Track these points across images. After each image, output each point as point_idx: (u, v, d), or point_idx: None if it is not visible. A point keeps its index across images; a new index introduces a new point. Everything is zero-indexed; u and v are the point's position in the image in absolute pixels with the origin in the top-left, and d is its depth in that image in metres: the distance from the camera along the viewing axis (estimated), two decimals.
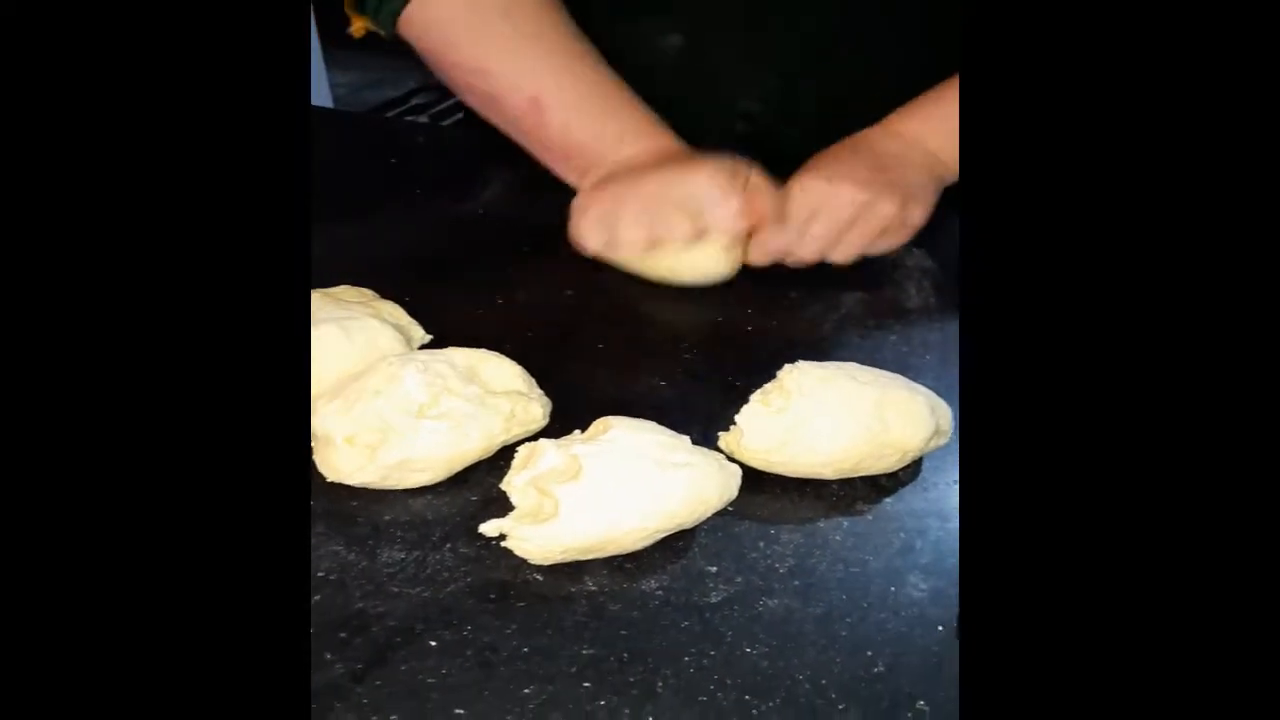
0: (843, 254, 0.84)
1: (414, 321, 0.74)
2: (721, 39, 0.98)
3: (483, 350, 0.67)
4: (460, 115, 1.11)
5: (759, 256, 0.84)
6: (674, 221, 0.81)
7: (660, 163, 0.85)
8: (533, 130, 0.90)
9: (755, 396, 0.64)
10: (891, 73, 0.93)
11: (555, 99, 0.88)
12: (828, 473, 0.62)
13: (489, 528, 0.56)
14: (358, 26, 0.92)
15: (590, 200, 0.84)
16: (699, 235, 0.81)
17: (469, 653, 0.50)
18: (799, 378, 0.63)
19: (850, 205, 0.82)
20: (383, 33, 0.90)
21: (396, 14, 0.89)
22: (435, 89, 1.10)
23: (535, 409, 0.64)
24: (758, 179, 0.82)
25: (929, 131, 0.88)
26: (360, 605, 0.52)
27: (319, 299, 0.72)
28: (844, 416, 0.61)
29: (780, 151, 0.87)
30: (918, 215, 0.85)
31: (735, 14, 0.96)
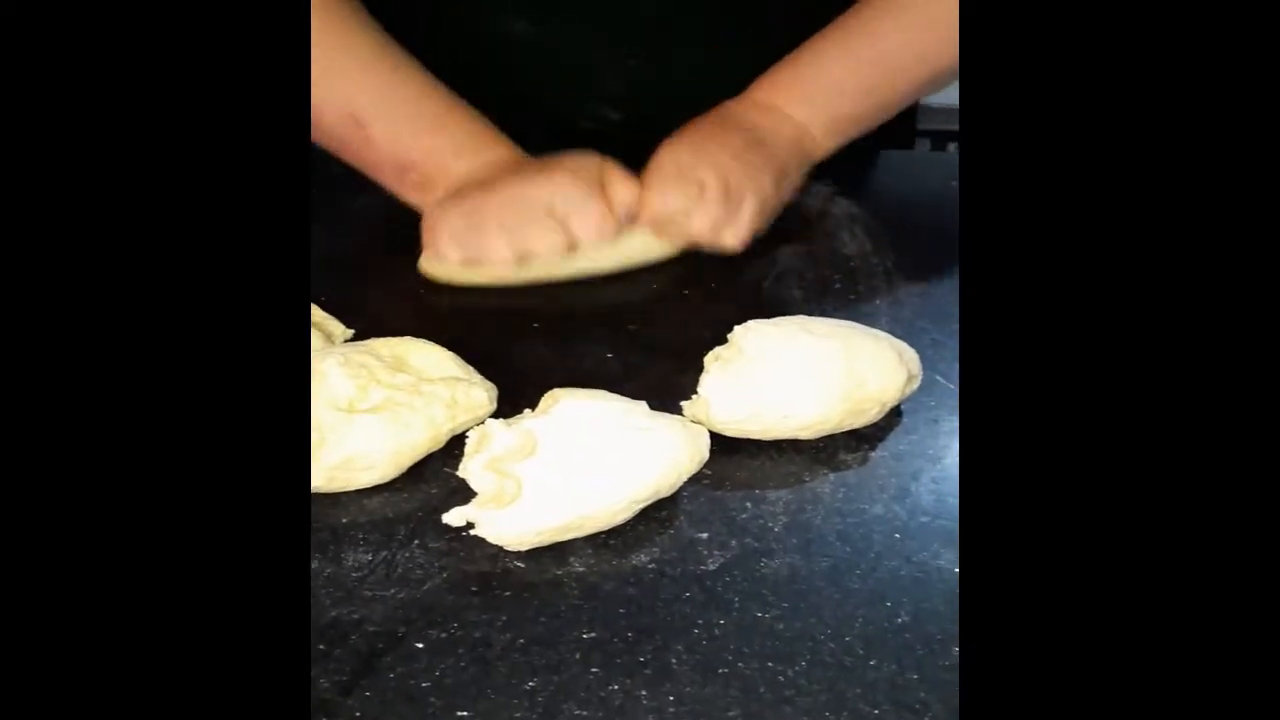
0: (735, 235, 0.78)
1: (330, 317, 0.69)
2: (571, 22, 0.92)
3: (407, 338, 0.63)
4: None
5: (673, 235, 0.78)
6: (539, 232, 0.75)
7: (508, 173, 0.78)
8: (357, 148, 0.82)
9: (710, 363, 0.60)
10: (763, 43, 0.88)
11: (376, 113, 0.80)
12: (807, 435, 0.58)
13: (453, 517, 0.51)
14: None
15: (443, 217, 0.77)
16: (570, 246, 0.76)
17: (460, 651, 0.46)
18: (754, 338, 0.59)
19: (730, 180, 0.77)
20: None
21: None
22: None
23: (478, 393, 0.60)
24: (614, 173, 0.77)
25: (794, 101, 0.83)
26: (334, 614, 0.47)
27: None
28: (815, 376, 0.57)
29: (654, 137, 0.81)
30: (788, 194, 0.82)
31: None
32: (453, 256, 0.77)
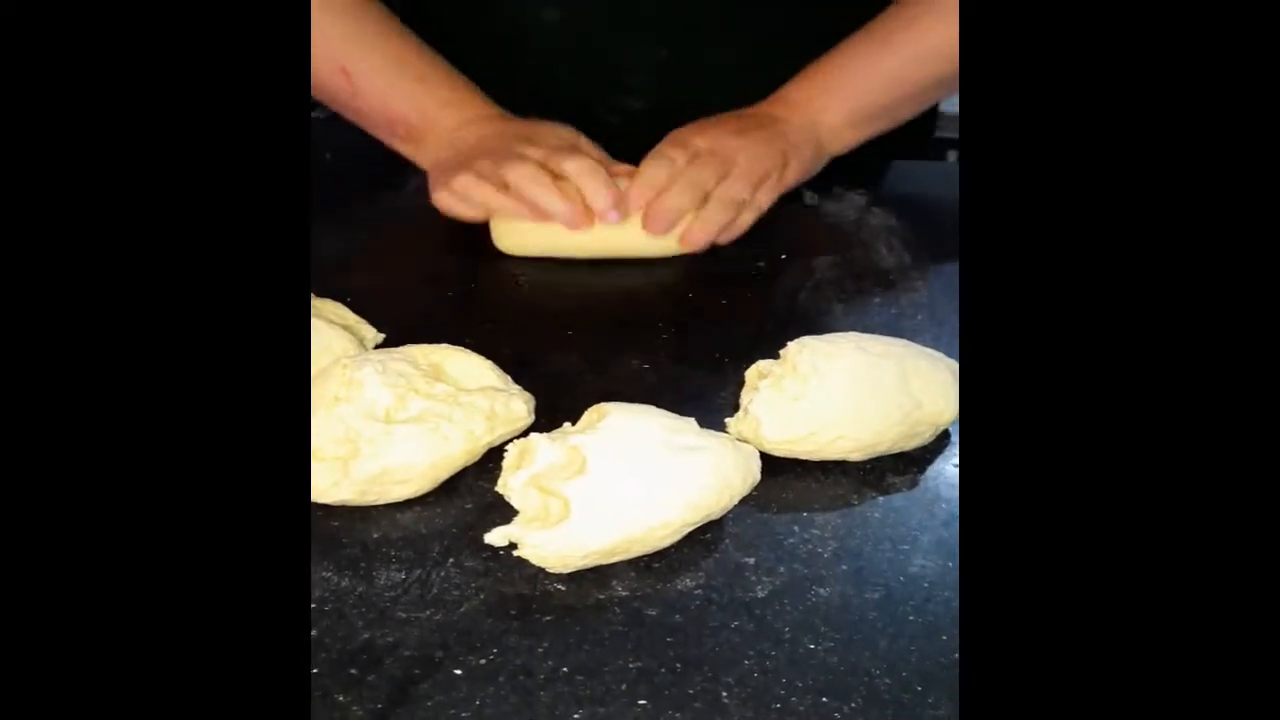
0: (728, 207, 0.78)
1: (362, 321, 0.68)
2: (601, 10, 0.92)
3: (444, 345, 0.61)
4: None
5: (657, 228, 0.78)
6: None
7: (493, 133, 0.82)
8: (347, 100, 0.87)
9: (757, 379, 0.58)
10: (791, 37, 0.89)
11: (364, 67, 0.85)
12: (857, 456, 0.56)
13: (496, 537, 0.49)
14: None
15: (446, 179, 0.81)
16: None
17: (501, 679, 0.44)
18: (809, 357, 0.57)
19: (723, 147, 0.79)
20: None
21: None
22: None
23: (517, 404, 0.58)
24: (577, 164, 0.77)
25: (813, 96, 0.84)
26: (366, 636, 0.46)
27: None
28: (871, 398, 0.55)
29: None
30: (792, 173, 0.82)
31: None
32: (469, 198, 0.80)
